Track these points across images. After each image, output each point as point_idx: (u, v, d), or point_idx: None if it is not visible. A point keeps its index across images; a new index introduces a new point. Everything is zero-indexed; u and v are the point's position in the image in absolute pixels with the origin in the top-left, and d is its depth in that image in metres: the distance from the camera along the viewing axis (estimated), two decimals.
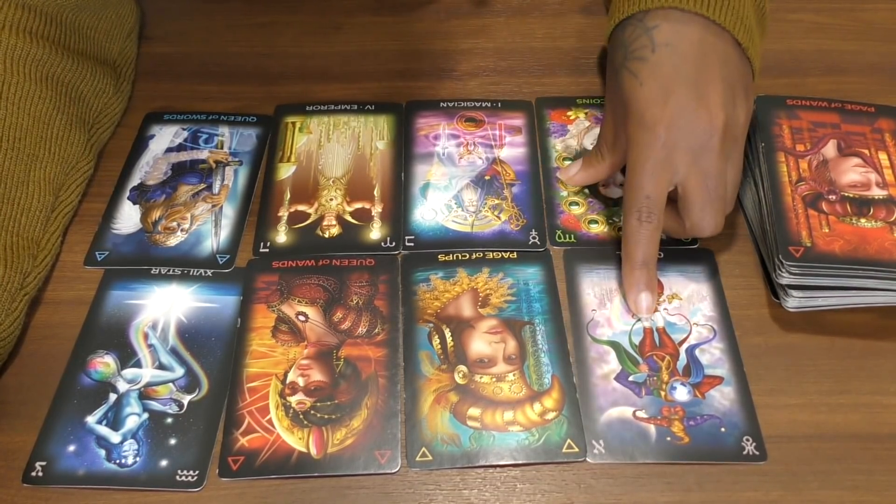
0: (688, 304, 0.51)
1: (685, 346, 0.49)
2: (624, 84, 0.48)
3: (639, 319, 0.50)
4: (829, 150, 0.54)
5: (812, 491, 0.44)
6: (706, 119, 0.46)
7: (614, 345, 0.49)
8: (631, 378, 0.48)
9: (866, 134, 0.56)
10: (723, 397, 0.47)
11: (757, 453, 0.45)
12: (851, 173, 0.53)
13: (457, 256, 0.53)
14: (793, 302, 0.50)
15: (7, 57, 0.52)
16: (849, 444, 0.46)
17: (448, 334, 0.49)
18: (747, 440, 0.45)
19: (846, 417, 0.47)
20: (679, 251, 0.53)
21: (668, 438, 0.45)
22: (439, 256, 0.53)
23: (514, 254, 0.53)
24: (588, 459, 0.45)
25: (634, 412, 0.46)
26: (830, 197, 0.52)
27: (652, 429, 0.46)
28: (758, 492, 0.44)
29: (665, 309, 0.51)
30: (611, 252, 0.53)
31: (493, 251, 0.53)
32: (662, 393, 0.47)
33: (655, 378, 0.48)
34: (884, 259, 0.48)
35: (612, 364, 0.48)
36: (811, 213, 0.51)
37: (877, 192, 0.52)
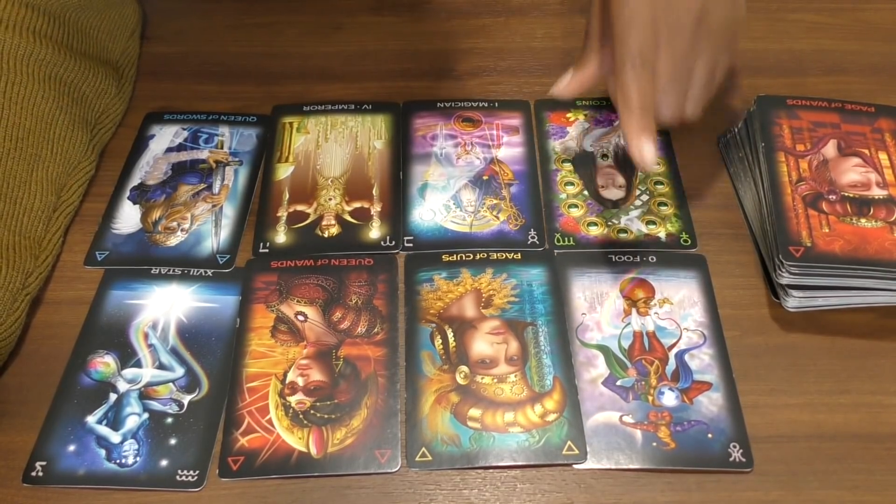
0: (679, 308, 0.51)
1: (675, 350, 0.49)
2: None
3: (628, 324, 0.50)
4: (830, 150, 0.54)
5: (812, 491, 0.44)
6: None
7: (603, 349, 0.49)
8: (619, 382, 0.47)
9: (866, 134, 0.56)
10: (711, 403, 0.47)
11: (744, 460, 0.44)
12: (851, 173, 0.53)
13: (460, 257, 0.53)
14: (793, 302, 0.50)
15: (11, 56, 0.52)
16: (849, 444, 0.46)
17: (450, 334, 0.49)
18: (734, 447, 0.45)
19: (846, 417, 0.47)
20: (672, 255, 0.53)
21: (654, 444, 0.45)
22: (443, 257, 0.53)
23: (519, 255, 0.53)
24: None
25: (621, 417, 0.46)
26: (830, 197, 0.52)
27: (638, 434, 0.46)
28: (758, 492, 0.44)
29: (656, 313, 0.50)
30: (601, 255, 0.53)
31: (496, 251, 0.53)
32: (650, 398, 0.47)
33: (643, 382, 0.47)
34: (884, 259, 0.48)
35: (601, 368, 0.48)
36: (811, 213, 0.51)
37: (877, 192, 0.52)
